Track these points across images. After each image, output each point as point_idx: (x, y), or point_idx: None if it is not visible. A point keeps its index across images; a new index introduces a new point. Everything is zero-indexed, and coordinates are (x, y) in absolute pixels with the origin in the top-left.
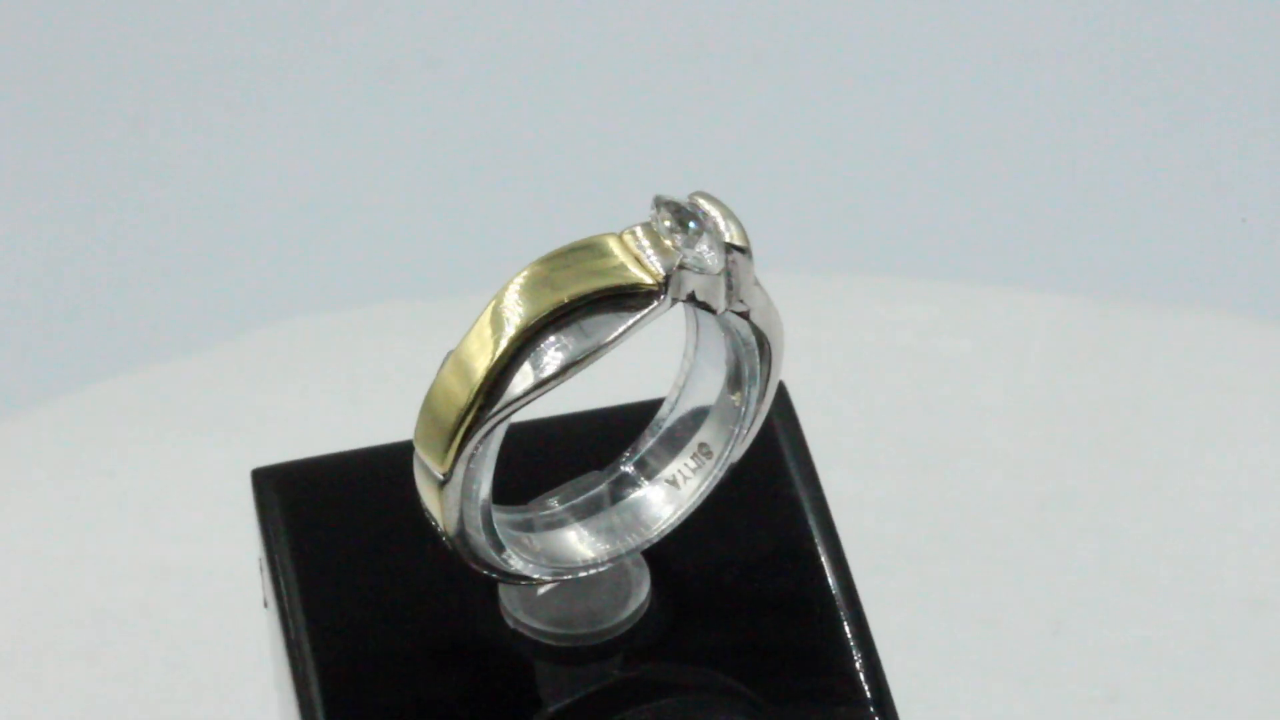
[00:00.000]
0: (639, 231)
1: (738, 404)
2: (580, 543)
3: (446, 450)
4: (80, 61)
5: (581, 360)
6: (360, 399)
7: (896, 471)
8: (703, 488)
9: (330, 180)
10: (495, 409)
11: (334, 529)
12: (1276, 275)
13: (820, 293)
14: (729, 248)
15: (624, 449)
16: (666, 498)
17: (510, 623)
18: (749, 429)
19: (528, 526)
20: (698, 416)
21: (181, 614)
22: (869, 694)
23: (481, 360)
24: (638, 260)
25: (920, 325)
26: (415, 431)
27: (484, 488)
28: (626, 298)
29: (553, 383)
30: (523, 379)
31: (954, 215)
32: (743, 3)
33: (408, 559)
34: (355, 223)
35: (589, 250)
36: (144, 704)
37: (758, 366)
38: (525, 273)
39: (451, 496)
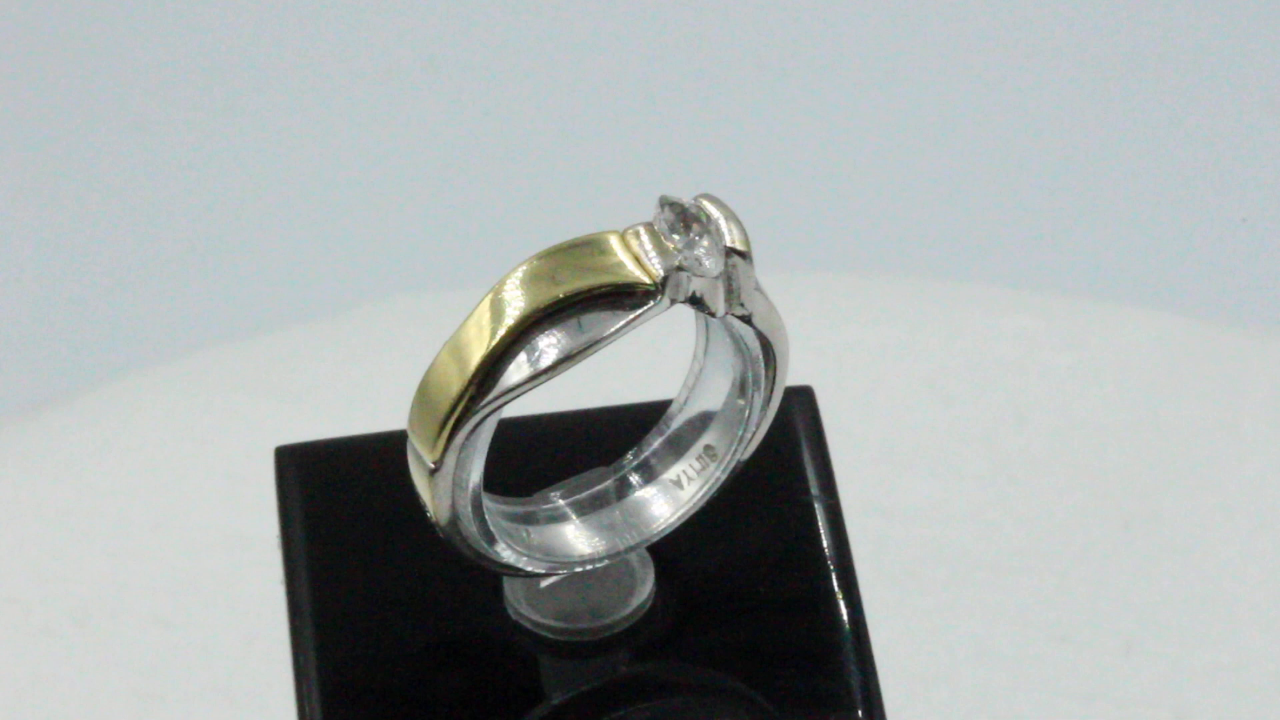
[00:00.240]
0: (641, 231)
1: (744, 409)
2: (578, 538)
3: (437, 438)
4: (103, 65)
5: (574, 355)
6: None
7: (982, 480)
8: (705, 490)
9: (384, 173)
10: (487, 399)
11: (350, 511)
12: None
13: (924, 297)
14: (729, 252)
15: (630, 448)
16: (668, 498)
17: (512, 614)
18: (754, 434)
19: (529, 519)
20: (705, 419)
21: (258, 585)
22: (859, 701)
23: (477, 350)
24: (637, 260)
25: (1023, 337)
26: (409, 417)
27: (474, 477)
28: (623, 296)
29: (544, 376)
30: (517, 370)
31: (1064, 228)
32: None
33: (418, 546)
34: (432, 211)
35: (590, 247)
36: (219, 670)
37: (763, 372)
38: (525, 265)
39: (442, 485)
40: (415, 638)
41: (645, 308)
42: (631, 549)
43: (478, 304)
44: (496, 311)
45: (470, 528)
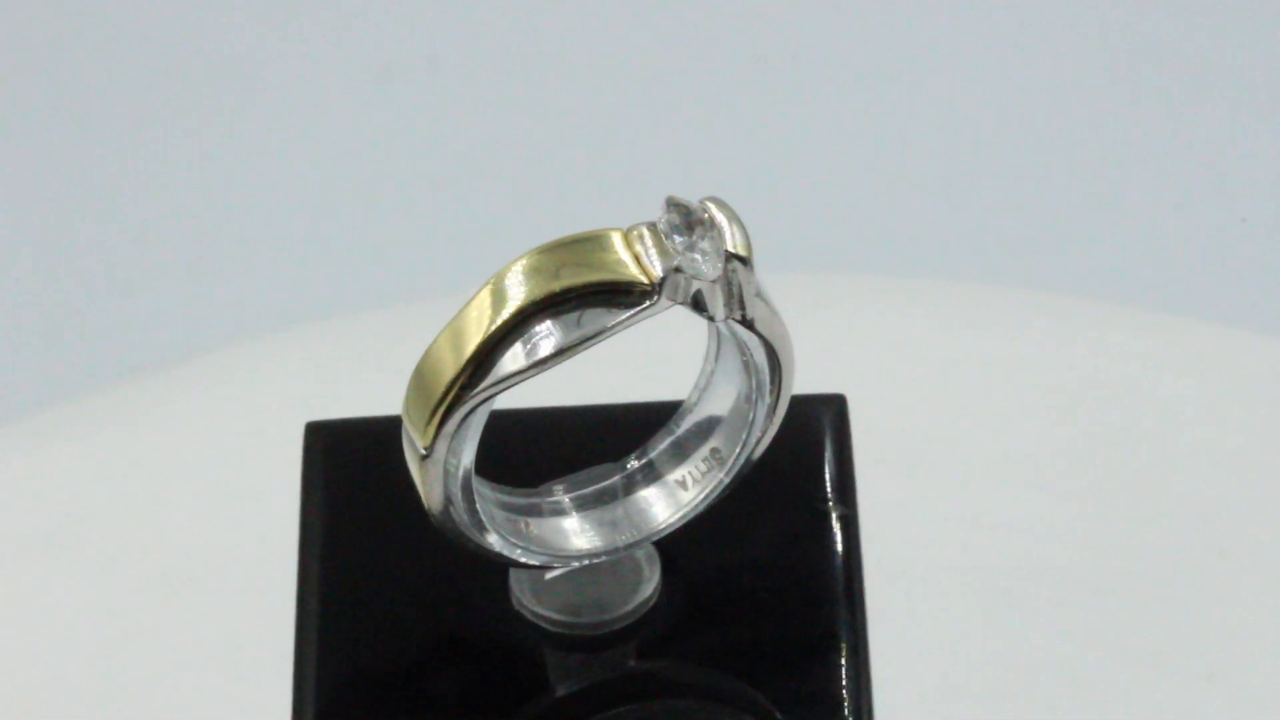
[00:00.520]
0: (645, 230)
1: (749, 414)
2: (577, 533)
3: (428, 424)
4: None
5: (568, 349)
6: None
7: (1081, 499)
8: (707, 493)
9: (401, 176)
10: (480, 388)
11: (370, 490)
12: None
13: (1045, 313)
14: (728, 256)
15: (638, 446)
16: (670, 499)
17: (516, 605)
18: (759, 441)
19: (530, 511)
20: (712, 423)
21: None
22: (849, 710)
23: (474, 336)
24: (637, 259)
25: (1139, 358)
26: (404, 401)
27: (464, 465)
28: (620, 294)
29: (537, 368)
30: (513, 360)
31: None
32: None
33: (432, 530)
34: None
35: (592, 243)
36: (257, 646)
37: (768, 379)
38: (527, 257)
39: (433, 471)
40: (417, 621)
41: (641, 307)
42: (629, 547)
43: (478, 291)
44: (497, 299)
45: (461, 515)
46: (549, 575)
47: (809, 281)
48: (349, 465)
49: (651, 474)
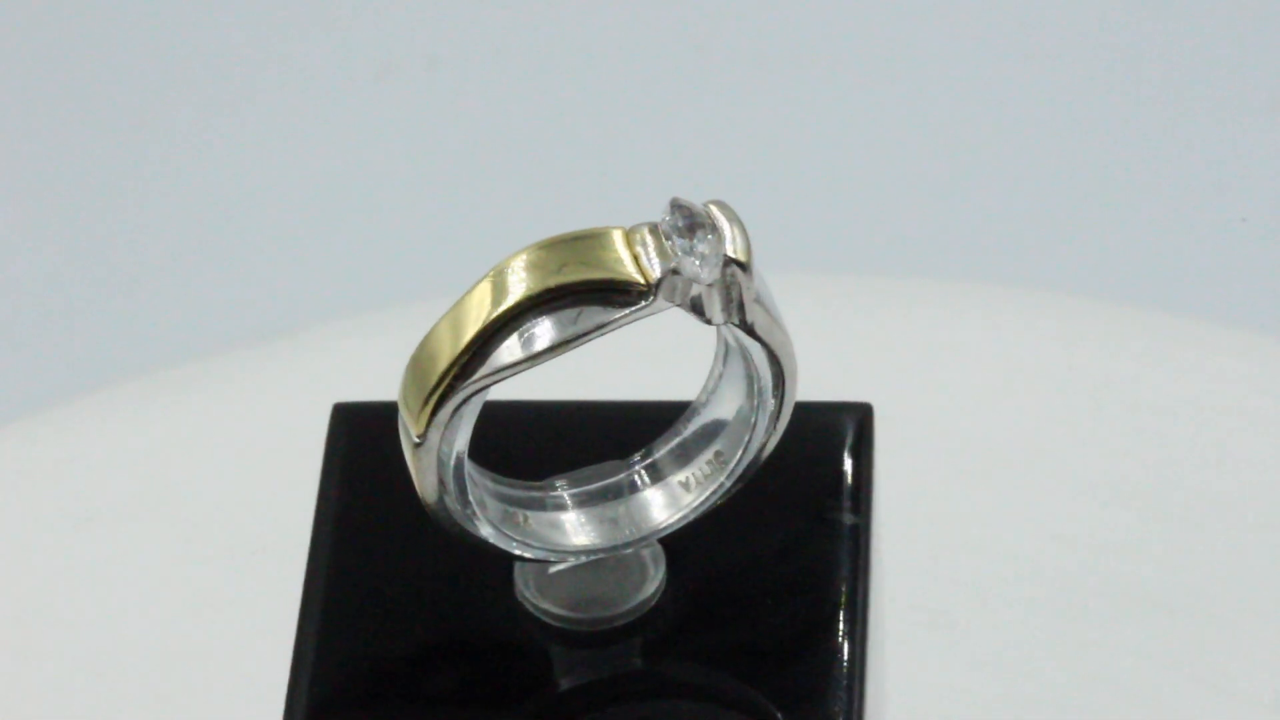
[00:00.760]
0: (646, 231)
1: (753, 420)
2: (575, 529)
3: (421, 411)
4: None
5: (562, 345)
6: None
7: (1147, 518)
8: (709, 497)
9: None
10: (474, 377)
11: (389, 474)
12: None
13: (1132, 327)
14: (727, 260)
15: (643, 445)
16: (671, 501)
17: (519, 598)
18: (763, 447)
19: (530, 504)
20: (718, 426)
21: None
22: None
23: (472, 326)
24: (636, 259)
25: (1226, 376)
26: (400, 388)
27: (456, 453)
28: (616, 293)
29: (529, 363)
30: (508, 352)
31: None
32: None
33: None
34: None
35: (594, 240)
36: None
37: (770, 386)
38: (529, 251)
39: (425, 459)
40: (420, 610)
41: (635, 307)
42: (628, 546)
43: (478, 282)
44: (496, 292)
45: (455, 505)
46: (552, 570)
47: (817, 282)
48: (372, 447)
49: (655, 474)
